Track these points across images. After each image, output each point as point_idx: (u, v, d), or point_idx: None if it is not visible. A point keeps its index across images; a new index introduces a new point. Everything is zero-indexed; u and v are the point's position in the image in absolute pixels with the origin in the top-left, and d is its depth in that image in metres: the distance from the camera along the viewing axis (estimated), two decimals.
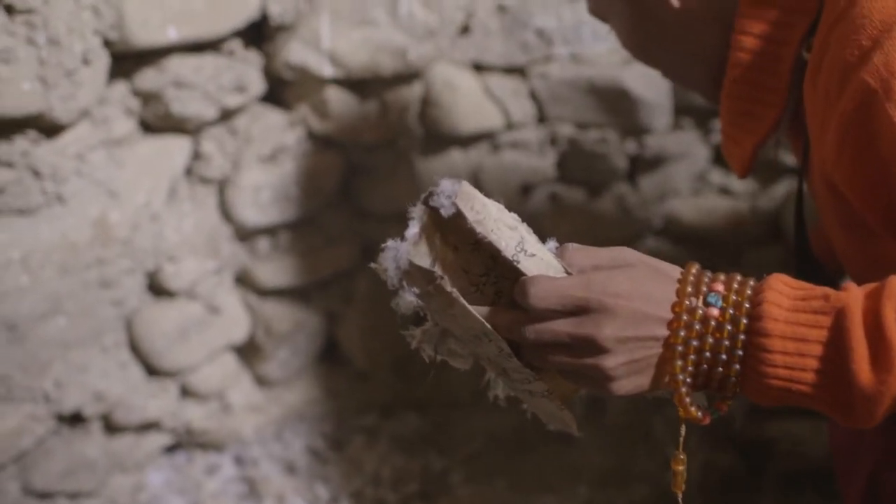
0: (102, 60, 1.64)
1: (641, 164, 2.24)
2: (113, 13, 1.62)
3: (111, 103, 1.72)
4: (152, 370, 1.93)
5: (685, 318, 0.94)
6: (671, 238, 2.30)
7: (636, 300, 0.93)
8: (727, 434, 2.01)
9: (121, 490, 1.94)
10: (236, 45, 1.85)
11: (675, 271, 0.97)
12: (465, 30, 2.06)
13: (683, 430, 1.00)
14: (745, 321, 0.94)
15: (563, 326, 0.93)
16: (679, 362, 0.95)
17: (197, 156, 1.89)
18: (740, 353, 0.94)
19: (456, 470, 2.04)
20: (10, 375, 1.68)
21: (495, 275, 0.96)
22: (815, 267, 1.28)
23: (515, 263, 0.94)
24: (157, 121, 1.80)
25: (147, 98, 1.77)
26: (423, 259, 0.93)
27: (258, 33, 1.90)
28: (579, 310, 0.93)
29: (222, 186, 1.96)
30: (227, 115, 1.89)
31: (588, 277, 0.94)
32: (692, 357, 0.95)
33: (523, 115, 2.14)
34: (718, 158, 2.23)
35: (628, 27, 1.28)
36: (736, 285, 0.96)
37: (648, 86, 2.09)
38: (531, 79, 2.12)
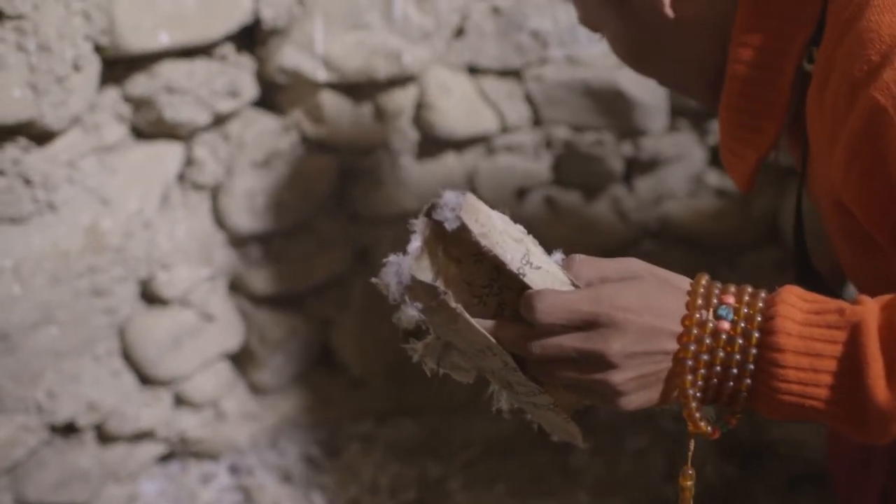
0: (93, 66, 1.62)
1: (637, 167, 2.23)
2: (104, 18, 1.60)
3: (102, 110, 1.70)
4: (146, 379, 1.91)
5: (695, 331, 0.92)
6: (667, 241, 2.29)
7: (645, 314, 0.91)
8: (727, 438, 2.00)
9: (114, 500, 1.92)
10: (229, 49, 1.83)
11: (685, 283, 0.95)
12: (459, 32, 2.04)
13: (692, 445, 0.99)
14: (756, 335, 0.92)
15: (570, 342, 0.91)
16: (689, 377, 0.93)
17: (189, 162, 1.87)
18: (752, 367, 0.92)
19: (453, 476, 2.03)
20: (2, 386, 1.66)
21: (498, 286, 0.94)
22: (814, 276, 1.26)
23: (521, 277, 0.92)
24: (149, 127, 1.78)
25: (139, 104, 1.75)
26: (426, 273, 0.91)
27: (251, 38, 1.88)
28: (587, 325, 0.91)
29: (215, 192, 1.94)
30: (219, 121, 1.87)
31: (596, 291, 0.92)
32: (702, 371, 0.93)
33: (518, 117, 2.13)
34: (715, 160, 2.22)
35: (621, 37, 1.26)
36: (747, 297, 0.94)
37: (644, 88, 2.07)
38: (526, 81, 2.11)
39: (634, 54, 1.27)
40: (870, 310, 0.90)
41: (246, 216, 1.96)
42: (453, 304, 0.90)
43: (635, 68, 1.31)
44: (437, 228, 0.91)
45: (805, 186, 1.25)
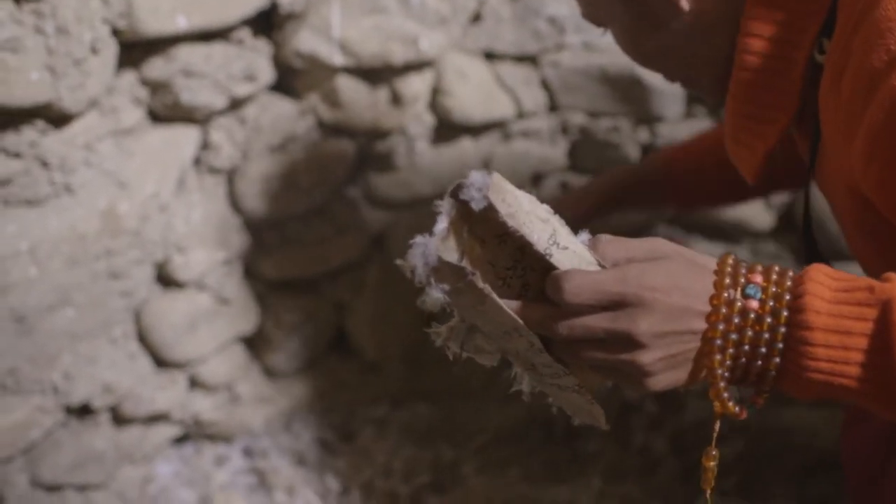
0: (111, 49, 1.62)
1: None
2: (121, 2, 1.60)
3: (120, 93, 1.70)
4: (161, 362, 1.92)
5: (724, 310, 0.92)
6: (683, 226, 2.28)
7: (673, 294, 0.91)
8: (741, 424, 2.00)
9: (129, 482, 1.93)
10: (245, 33, 1.83)
11: (711, 262, 0.95)
12: (476, 18, 2.04)
13: (718, 425, 0.99)
14: (785, 313, 0.92)
15: (597, 322, 0.91)
16: (718, 356, 0.93)
17: (206, 146, 1.87)
18: (780, 346, 0.92)
19: (468, 461, 2.03)
20: (19, 367, 1.67)
21: (522, 267, 0.94)
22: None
23: (548, 257, 0.91)
24: (166, 110, 1.78)
25: (156, 87, 1.75)
26: (452, 254, 0.90)
27: (267, 22, 1.88)
28: (615, 304, 0.91)
29: (231, 176, 1.94)
30: (236, 105, 1.87)
31: (623, 271, 0.92)
32: (731, 351, 0.93)
33: (535, 103, 2.12)
34: None
35: (630, 31, 1.25)
36: (775, 276, 0.94)
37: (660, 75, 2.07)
38: (543, 67, 2.10)
39: (643, 48, 1.26)
40: None
41: (262, 200, 1.96)
42: (481, 285, 0.89)
43: (642, 63, 1.30)
44: (462, 209, 0.90)
45: (813, 179, 1.25)
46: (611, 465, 1.96)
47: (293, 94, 1.97)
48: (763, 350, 0.92)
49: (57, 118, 1.56)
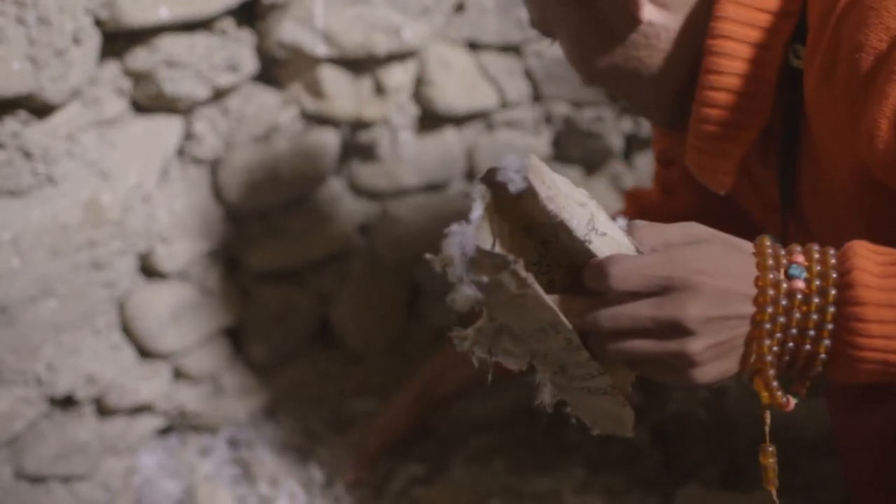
0: (93, 40, 1.61)
1: (637, 143, 2.22)
2: None
3: (102, 83, 1.70)
4: (145, 353, 1.92)
5: (771, 292, 0.89)
6: None
7: (719, 277, 0.87)
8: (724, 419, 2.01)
9: (114, 473, 1.92)
10: (228, 23, 1.83)
11: (748, 245, 0.92)
12: (459, 8, 2.04)
13: (768, 417, 0.95)
14: (833, 292, 0.89)
15: (643, 310, 0.87)
16: (767, 341, 0.89)
17: (189, 136, 1.87)
18: (830, 326, 0.89)
19: (452, 452, 2.03)
20: (1, 358, 1.66)
21: (547, 262, 0.91)
22: None
23: (587, 244, 0.87)
24: (149, 101, 1.77)
25: (138, 78, 1.74)
26: (487, 243, 0.86)
27: (250, 12, 1.87)
28: (661, 289, 0.87)
29: (215, 167, 1.94)
30: (219, 95, 1.86)
31: (669, 255, 0.88)
32: (778, 335, 0.89)
33: (518, 93, 2.12)
34: None
35: (582, 44, 1.22)
36: (816, 255, 0.91)
37: None
38: (526, 57, 2.11)
39: (594, 62, 1.21)
40: None
41: (245, 191, 1.96)
42: (524, 274, 0.84)
43: (589, 79, 1.26)
44: (493, 196, 0.87)
45: (797, 210, 1.23)
46: (594, 455, 1.96)
47: (276, 85, 1.97)
48: (812, 332, 0.89)
49: (39, 109, 1.56)
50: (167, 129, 1.82)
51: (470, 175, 2.17)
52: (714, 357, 0.89)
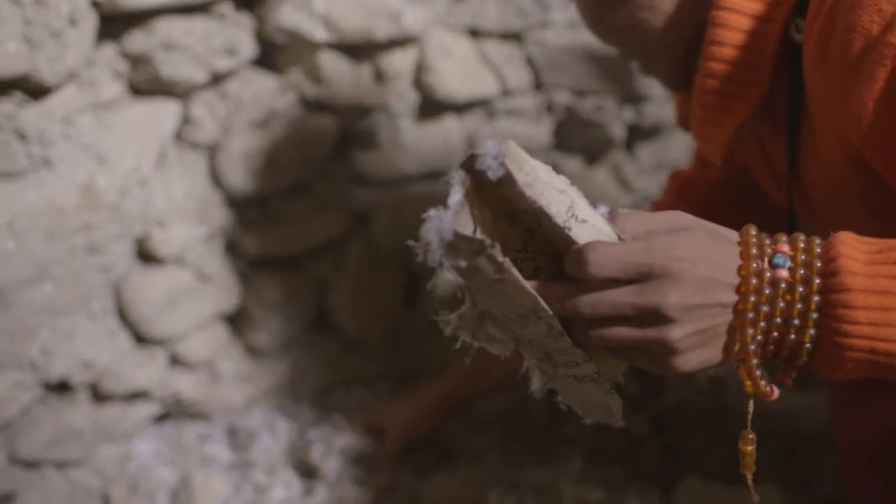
0: (90, 21, 1.60)
1: (639, 133, 2.21)
2: None
3: (99, 65, 1.69)
4: (141, 338, 1.91)
5: (754, 281, 0.89)
6: None
7: (700, 264, 0.87)
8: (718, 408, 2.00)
9: (109, 459, 1.92)
10: (227, 7, 1.82)
11: (734, 234, 0.92)
12: None
13: (751, 406, 0.95)
14: (818, 280, 0.89)
15: (623, 296, 0.87)
16: (749, 330, 0.89)
17: (186, 120, 1.86)
18: (815, 316, 0.89)
19: (449, 443, 2.02)
20: None
21: (532, 250, 0.90)
22: None
23: (566, 230, 0.87)
24: (146, 84, 1.76)
25: (136, 61, 1.73)
26: (467, 229, 0.86)
27: None
28: (641, 276, 0.87)
29: (212, 152, 1.93)
30: (217, 79, 1.85)
31: (649, 242, 0.88)
32: (762, 325, 0.89)
33: (519, 81, 2.11)
34: None
35: (595, 1, 1.24)
36: (801, 244, 0.91)
37: None
38: (527, 45, 2.09)
39: (601, 19, 1.24)
40: None
41: (243, 176, 1.94)
42: (500, 258, 0.84)
43: (602, 35, 1.28)
44: (474, 183, 0.87)
45: (799, 181, 1.23)
46: (592, 446, 1.95)
47: (275, 70, 1.96)
48: (796, 322, 0.89)
49: (35, 90, 1.55)
50: (164, 112, 1.81)
51: None
52: (695, 345, 0.89)
